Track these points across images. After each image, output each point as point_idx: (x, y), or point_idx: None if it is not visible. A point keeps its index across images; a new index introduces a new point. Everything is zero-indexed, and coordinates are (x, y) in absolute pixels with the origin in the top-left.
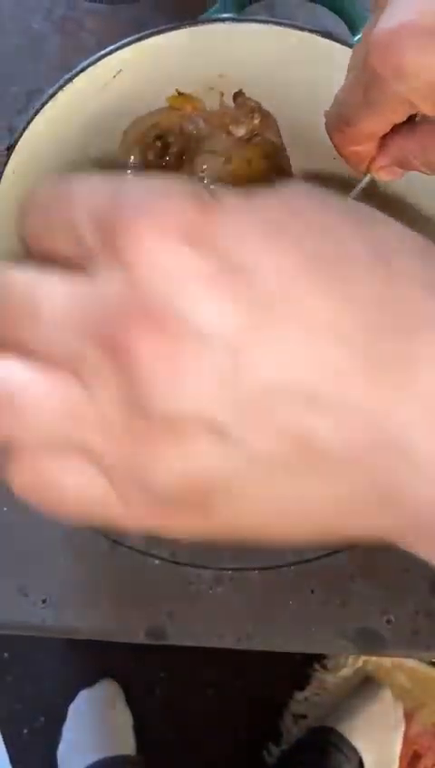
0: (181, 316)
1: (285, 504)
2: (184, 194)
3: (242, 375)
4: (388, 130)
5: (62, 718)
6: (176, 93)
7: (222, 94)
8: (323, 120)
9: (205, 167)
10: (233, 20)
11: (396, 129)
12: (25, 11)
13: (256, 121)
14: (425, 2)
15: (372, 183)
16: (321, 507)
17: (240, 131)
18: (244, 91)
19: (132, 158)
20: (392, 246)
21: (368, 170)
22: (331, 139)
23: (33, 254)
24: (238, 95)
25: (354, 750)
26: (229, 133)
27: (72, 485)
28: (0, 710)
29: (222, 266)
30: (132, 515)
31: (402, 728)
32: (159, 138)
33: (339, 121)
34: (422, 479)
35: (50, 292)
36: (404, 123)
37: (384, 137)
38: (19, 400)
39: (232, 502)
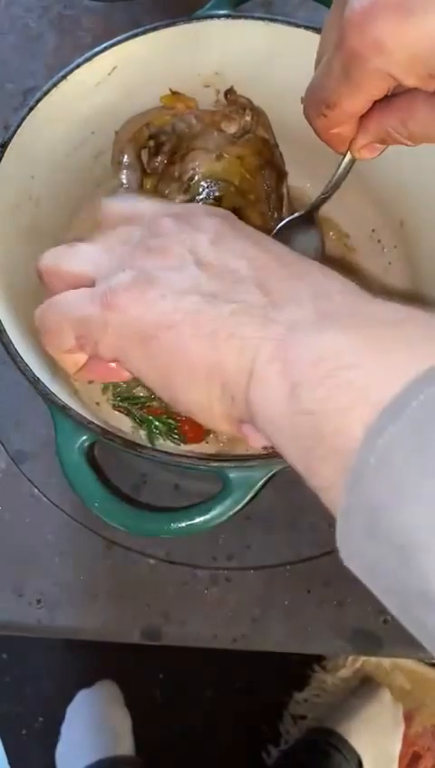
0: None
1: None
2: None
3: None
4: (368, 108)
5: (60, 719)
6: (169, 92)
7: (218, 92)
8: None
9: (196, 164)
10: (228, 17)
11: (373, 106)
12: (22, 9)
13: (248, 118)
14: None
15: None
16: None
17: (232, 128)
18: (237, 88)
19: (126, 157)
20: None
21: (349, 150)
22: (311, 124)
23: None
24: (229, 92)
25: (353, 751)
26: (221, 130)
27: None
28: None
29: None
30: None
31: (402, 729)
32: (152, 137)
33: (319, 105)
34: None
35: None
36: (380, 99)
37: (363, 116)
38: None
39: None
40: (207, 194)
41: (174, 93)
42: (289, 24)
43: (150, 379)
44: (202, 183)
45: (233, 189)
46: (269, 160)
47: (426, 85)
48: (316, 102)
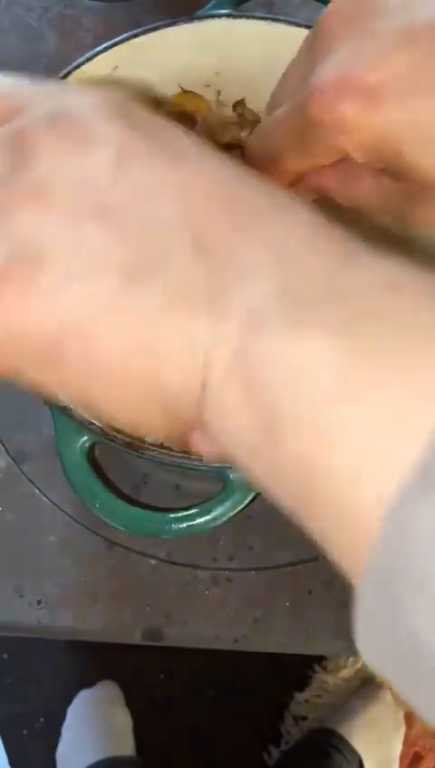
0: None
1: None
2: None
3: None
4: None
5: (61, 719)
6: (180, 90)
7: (219, 92)
8: None
9: None
10: (230, 16)
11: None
12: (23, 9)
13: (244, 134)
14: (371, 56)
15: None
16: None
17: (224, 138)
18: (237, 88)
19: None
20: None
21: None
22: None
23: None
24: (238, 104)
25: (355, 751)
26: (214, 137)
27: None
28: (0, 711)
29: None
30: None
31: (403, 730)
32: None
33: (265, 156)
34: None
35: None
36: None
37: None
38: None
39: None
40: None
41: (186, 92)
42: (291, 23)
43: (62, 396)
44: None
45: None
46: None
47: (374, 166)
48: (263, 152)
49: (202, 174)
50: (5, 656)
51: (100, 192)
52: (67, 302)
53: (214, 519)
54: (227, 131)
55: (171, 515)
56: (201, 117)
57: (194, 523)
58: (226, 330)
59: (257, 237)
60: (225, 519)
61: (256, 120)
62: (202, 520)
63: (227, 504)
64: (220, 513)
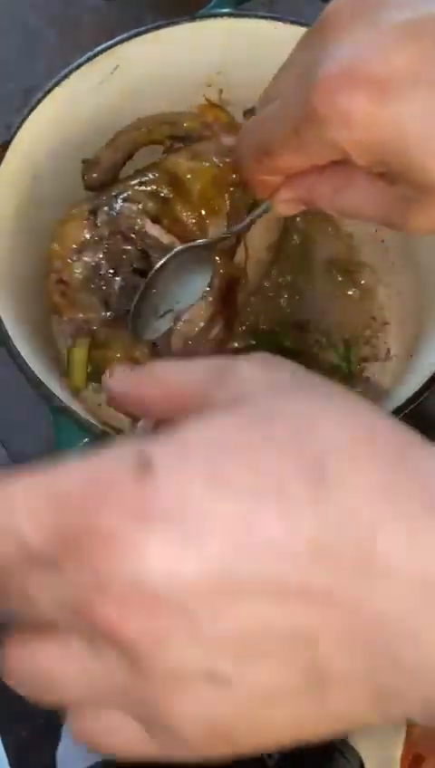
0: (149, 590)
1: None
2: (117, 474)
3: (221, 623)
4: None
5: (61, 720)
6: (205, 101)
7: (221, 91)
8: None
9: (165, 156)
10: (231, 15)
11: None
12: (23, 8)
13: None
14: (377, 50)
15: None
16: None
17: (228, 140)
18: (238, 87)
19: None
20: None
21: (269, 198)
22: (241, 163)
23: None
24: (248, 112)
25: (355, 752)
26: (219, 140)
27: (118, 737)
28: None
29: (170, 536)
30: (168, 752)
31: (404, 731)
32: (173, 137)
33: (258, 151)
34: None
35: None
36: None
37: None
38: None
39: (250, 730)
40: (138, 178)
41: (211, 104)
42: (292, 22)
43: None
44: (148, 171)
45: (168, 180)
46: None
47: (372, 168)
48: (256, 146)
49: None
50: None
51: None
52: None
53: None
54: (230, 135)
55: None
56: (218, 126)
57: None
58: None
59: None
60: None
61: None
62: None
63: None
64: None
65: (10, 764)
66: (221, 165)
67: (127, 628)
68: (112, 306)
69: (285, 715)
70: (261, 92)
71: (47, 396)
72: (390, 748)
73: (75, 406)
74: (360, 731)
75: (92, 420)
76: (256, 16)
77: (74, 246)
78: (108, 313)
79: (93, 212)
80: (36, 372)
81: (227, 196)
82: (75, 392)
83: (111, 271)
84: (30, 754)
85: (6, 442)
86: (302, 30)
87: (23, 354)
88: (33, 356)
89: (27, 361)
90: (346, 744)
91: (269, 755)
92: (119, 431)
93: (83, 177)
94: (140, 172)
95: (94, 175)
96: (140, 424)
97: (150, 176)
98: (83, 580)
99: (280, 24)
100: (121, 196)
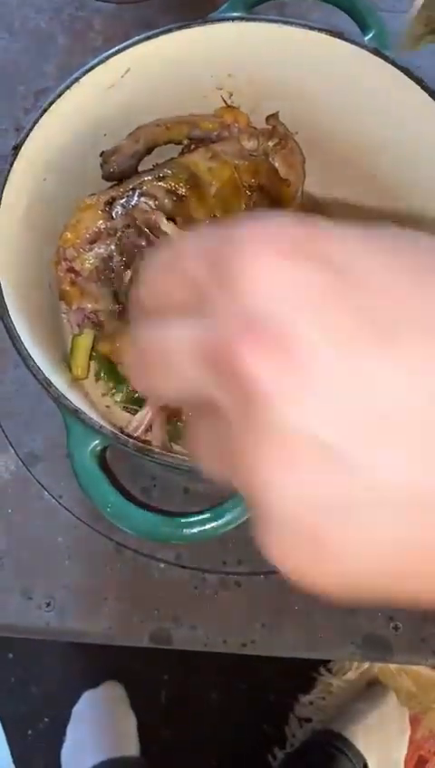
0: (297, 336)
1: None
2: (286, 219)
3: (362, 399)
4: None
5: (66, 719)
6: (224, 104)
7: (231, 94)
8: (338, 125)
9: (186, 153)
10: (242, 19)
11: None
12: (33, 10)
13: (270, 144)
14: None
15: None
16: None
17: (248, 144)
18: (249, 89)
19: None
20: None
21: None
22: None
23: (151, 312)
24: (271, 117)
25: (359, 754)
26: (240, 143)
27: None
28: (4, 710)
29: (334, 278)
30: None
31: (408, 733)
32: (192, 139)
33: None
34: None
35: (177, 340)
36: None
37: None
38: None
39: (345, 537)
40: (156, 173)
41: (229, 107)
42: (303, 26)
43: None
44: (167, 167)
45: (186, 177)
46: (267, 189)
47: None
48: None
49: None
50: (10, 655)
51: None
52: None
53: (224, 525)
54: (252, 138)
55: (183, 520)
56: (237, 128)
57: (205, 528)
58: None
59: None
60: (235, 525)
61: (286, 134)
62: (212, 526)
63: (238, 510)
64: (231, 519)
65: (15, 763)
66: (240, 166)
67: (257, 372)
68: (121, 299)
69: (393, 526)
70: (273, 95)
71: (58, 399)
72: (394, 750)
73: (86, 408)
74: (363, 731)
75: (103, 422)
76: (267, 20)
77: (87, 236)
78: (117, 306)
79: (110, 203)
80: (47, 374)
81: (243, 198)
82: (76, 379)
83: (123, 264)
84: (34, 754)
85: (16, 445)
86: (312, 33)
87: (33, 356)
88: (45, 359)
89: (38, 363)
90: (350, 746)
91: (274, 757)
92: (131, 435)
93: (102, 166)
94: (159, 167)
95: (113, 159)
96: (137, 416)
97: (169, 171)
98: (230, 316)
99: (291, 27)
100: (139, 191)
